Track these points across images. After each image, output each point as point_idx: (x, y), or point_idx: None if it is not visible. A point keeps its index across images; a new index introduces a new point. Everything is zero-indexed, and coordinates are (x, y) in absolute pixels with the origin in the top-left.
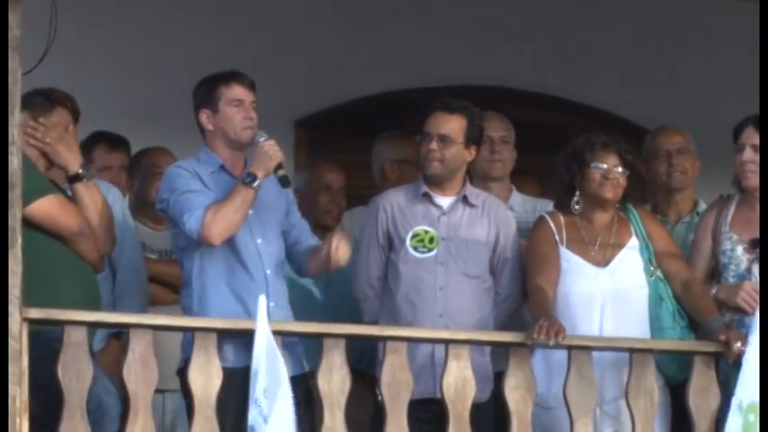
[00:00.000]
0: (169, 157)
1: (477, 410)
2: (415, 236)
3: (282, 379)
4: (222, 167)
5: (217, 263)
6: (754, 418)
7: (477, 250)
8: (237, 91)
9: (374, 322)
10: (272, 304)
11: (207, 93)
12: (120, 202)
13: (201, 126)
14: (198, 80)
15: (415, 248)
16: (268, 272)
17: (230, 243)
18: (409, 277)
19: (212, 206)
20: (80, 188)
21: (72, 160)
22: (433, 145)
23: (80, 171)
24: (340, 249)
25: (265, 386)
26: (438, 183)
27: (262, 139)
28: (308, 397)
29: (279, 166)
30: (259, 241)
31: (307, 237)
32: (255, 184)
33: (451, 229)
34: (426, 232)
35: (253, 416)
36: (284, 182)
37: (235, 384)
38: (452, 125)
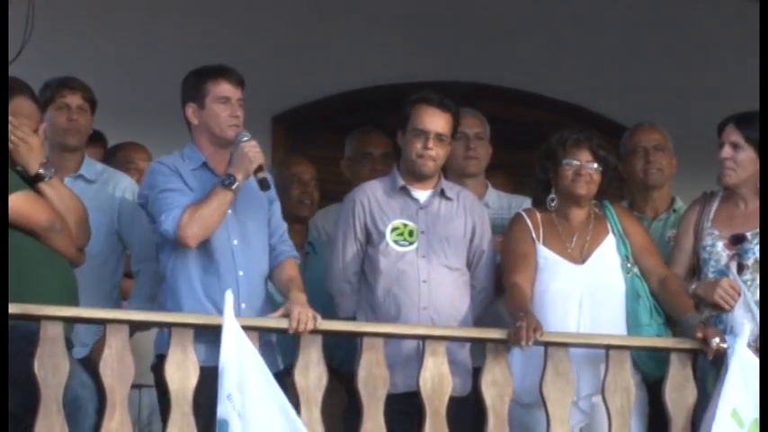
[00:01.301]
0: (143, 153)
1: (457, 405)
2: (394, 229)
3: (261, 374)
4: (205, 164)
5: (191, 261)
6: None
7: (456, 243)
8: (225, 88)
9: (350, 318)
10: (243, 305)
11: (194, 87)
12: (133, 192)
13: (187, 120)
14: (174, 75)
15: (396, 242)
16: (240, 273)
17: (206, 242)
18: (391, 271)
19: (189, 207)
20: (44, 188)
21: (32, 161)
22: (431, 143)
23: (41, 171)
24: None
25: (238, 381)
26: (420, 178)
27: (244, 140)
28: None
29: (259, 169)
30: (235, 242)
31: (278, 242)
32: (234, 186)
33: (430, 222)
34: (405, 225)
35: (225, 411)
36: (263, 185)
37: (206, 383)
38: (446, 123)
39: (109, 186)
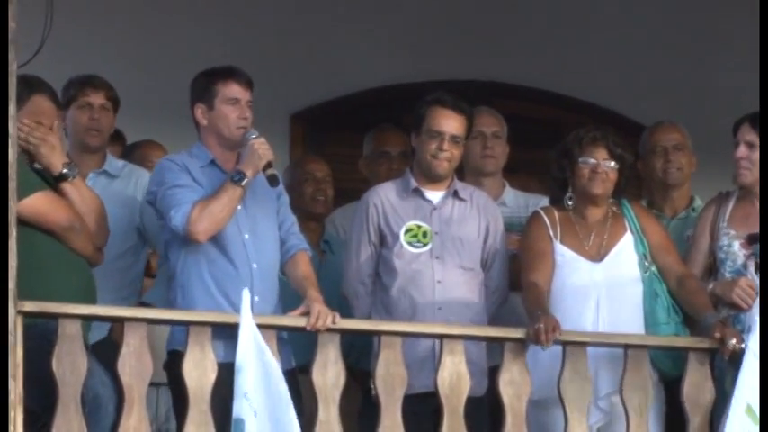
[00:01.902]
0: (160, 151)
1: (474, 405)
2: (408, 231)
3: (273, 373)
4: (213, 162)
5: (201, 257)
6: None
7: (470, 243)
8: (234, 89)
9: (367, 319)
10: (256, 299)
11: (203, 88)
12: None
13: (196, 120)
14: (192, 74)
15: (410, 243)
16: (254, 266)
17: (216, 237)
18: (406, 272)
19: (199, 203)
20: (67, 187)
21: (55, 161)
22: (446, 145)
23: (64, 171)
24: (319, 324)
25: (254, 380)
26: (435, 179)
27: (253, 137)
28: (295, 393)
29: (268, 165)
30: (246, 236)
31: (287, 234)
32: (244, 182)
33: (443, 223)
34: (419, 227)
35: (242, 409)
36: (272, 181)
37: (224, 379)
38: (460, 125)
39: (131, 182)
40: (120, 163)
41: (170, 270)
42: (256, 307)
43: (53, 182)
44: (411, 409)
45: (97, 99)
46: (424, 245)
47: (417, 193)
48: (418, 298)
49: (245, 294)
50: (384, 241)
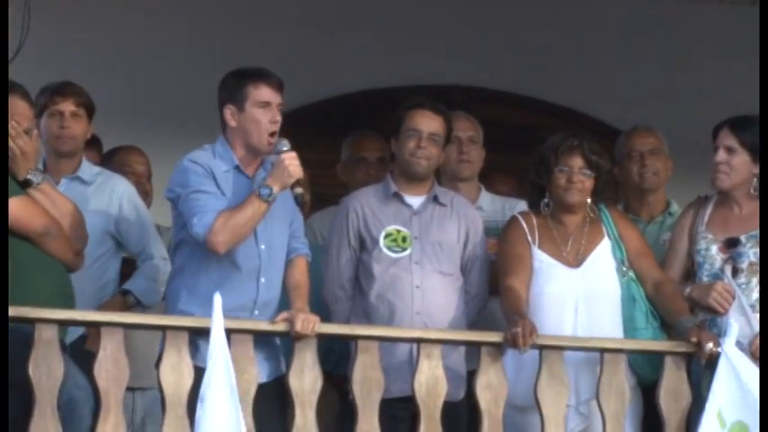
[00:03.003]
0: (140, 156)
1: (452, 409)
2: (387, 235)
3: (228, 382)
4: (237, 167)
5: (212, 262)
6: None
7: (450, 249)
8: (265, 92)
9: (345, 323)
10: (256, 312)
11: (234, 89)
12: (130, 195)
13: (224, 121)
14: (171, 77)
15: (389, 248)
16: (263, 280)
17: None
18: (384, 277)
19: (223, 213)
20: (33, 194)
21: (21, 167)
22: (424, 143)
23: (28, 177)
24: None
25: (208, 385)
26: (413, 182)
27: (284, 150)
28: (285, 398)
29: (297, 183)
30: (263, 247)
31: (291, 237)
32: (270, 198)
33: (423, 228)
34: (399, 232)
35: (198, 413)
36: (299, 200)
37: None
38: (439, 125)
39: (105, 189)
40: (96, 169)
41: (175, 268)
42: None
43: (20, 187)
44: (390, 414)
45: (67, 107)
46: (404, 249)
47: (397, 197)
48: (397, 303)
49: (217, 299)
50: (364, 246)
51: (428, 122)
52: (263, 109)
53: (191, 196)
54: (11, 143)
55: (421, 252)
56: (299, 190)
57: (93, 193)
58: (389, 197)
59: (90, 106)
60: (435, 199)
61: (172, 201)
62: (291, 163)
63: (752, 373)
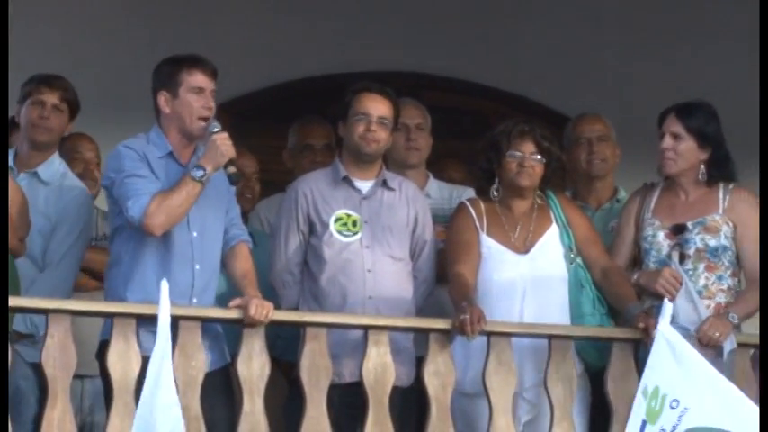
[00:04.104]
0: (89, 143)
1: (402, 395)
2: (338, 219)
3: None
4: (170, 154)
5: (149, 250)
6: (655, 403)
7: (400, 233)
8: (199, 78)
9: (293, 308)
10: (194, 300)
11: (168, 75)
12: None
13: (158, 107)
14: (117, 64)
15: (340, 232)
16: (197, 267)
17: (165, 233)
18: (336, 261)
19: (157, 196)
20: None
21: None
22: (374, 126)
23: None
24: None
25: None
26: (362, 166)
27: (215, 131)
28: (230, 388)
29: (230, 162)
30: (195, 234)
31: (229, 225)
32: (204, 178)
33: (373, 212)
34: (349, 216)
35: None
36: (233, 179)
37: None
38: (388, 109)
39: (61, 199)
40: (62, 169)
41: (112, 257)
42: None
43: None
44: (342, 400)
45: (50, 98)
46: (354, 233)
47: (347, 181)
48: (349, 287)
49: (164, 285)
50: (313, 230)
51: (377, 106)
52: (197, 95)
53: (125, 181)
54: None
55: (371, 236)
56: (231, 169)
57: (48, 195)
58: (338, 181)
59: (74, 104)
60: (384, 183)
61: (106, 188)
62: (224, 143)
63: (690, 352)
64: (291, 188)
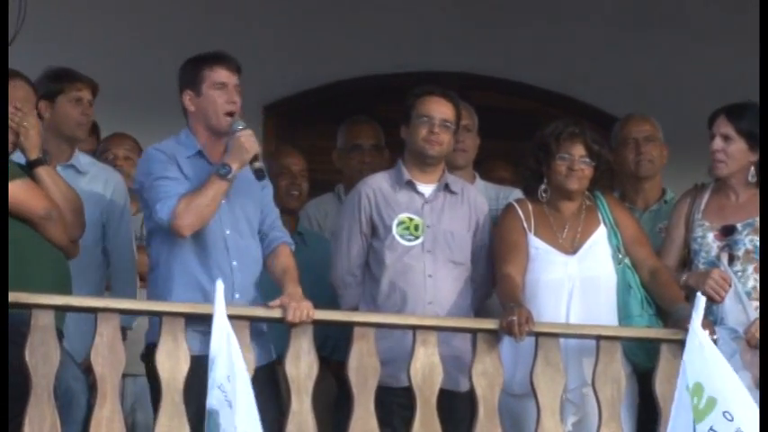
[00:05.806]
0: (130, 142)
1: (452, 399)
2: (400, 223)
3: (238, 366)
4: (200, 153)
5: (184, 250)
6: (698, 400)
7: (461, 237)
8: (221, 74)
9: (354, 310)
10: (237, 296)
11: (191, 74)
12: (121, 190)
13: (184, 107)
14: (166, 63)
15: (402, 236)
16: (234, 263)
17: (198, 232)
18: (397, 265)
19: (185, 197)
20: (42, 173)
21: (33, 146)
22: (437, 128)
23: (41, 156)
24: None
25: (228, 372)
26: (425, 169)
27: (239, 129)
28: (276, 385)
29: (255, 158)
30: (228, 232)
31: (270, 228)
32: (229, 176)
33: (435, 216)
34: (411, 219)
35: (216, 400)
36: (259, 174)
37: (199, 372)
38: (451, 112)
39: (100, 181)
40: (89, 159)
41: (151, 261)
42: (237, 304)
43: (28, 170)
44: (399, 402)
45: (86, 94)
46: (416, 238)
47: (410, 185)
48: (409, 292)
49: (219, 285)
50: (375, 233)
51: (440, 108)
52: (220, 90)
53: (154, 183)
54: (20, 123)
55: (433, 241)
56: (257, 164)
57: (88, 184)
58: (402, 184)
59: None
60: (447, 187)
61: (138, 192)
62: (247, 140)
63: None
64: (355, 189)
